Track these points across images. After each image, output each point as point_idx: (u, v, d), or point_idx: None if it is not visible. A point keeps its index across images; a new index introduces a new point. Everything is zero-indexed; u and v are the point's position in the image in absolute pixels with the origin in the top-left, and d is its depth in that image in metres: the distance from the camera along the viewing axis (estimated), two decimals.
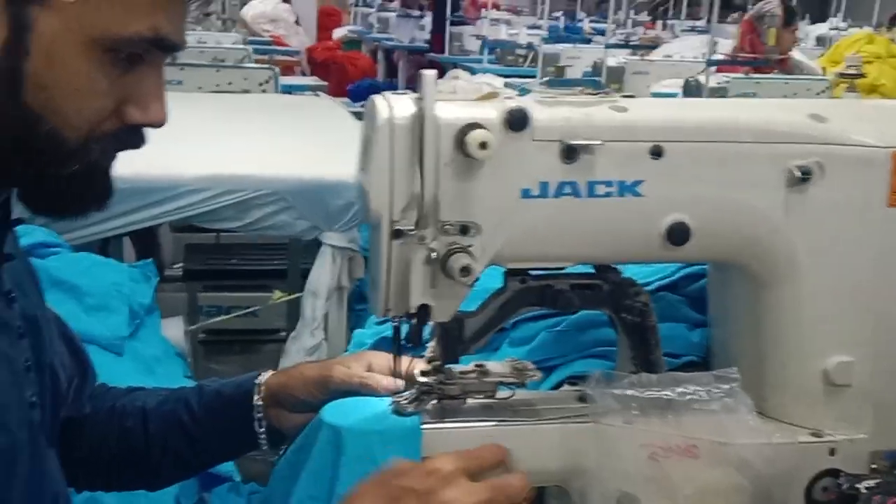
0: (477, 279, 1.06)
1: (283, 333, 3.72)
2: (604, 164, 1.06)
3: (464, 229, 1.05)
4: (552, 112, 1.06)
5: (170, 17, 0.85)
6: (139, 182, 2.04)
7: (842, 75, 1.91)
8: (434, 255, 1.04)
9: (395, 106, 1.03)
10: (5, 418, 0.88)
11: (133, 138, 0.90)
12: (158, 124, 0.89)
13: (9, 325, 0.94)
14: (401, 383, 1.12)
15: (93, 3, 0.80)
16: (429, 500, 0.91)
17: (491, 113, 1.03)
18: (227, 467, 1.96)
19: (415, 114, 1.02)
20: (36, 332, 1.01)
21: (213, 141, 2.48)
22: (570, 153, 1.05)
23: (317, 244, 2.46)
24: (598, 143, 1.04)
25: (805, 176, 1.07)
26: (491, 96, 1.07)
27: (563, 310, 1.15)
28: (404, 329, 1.11)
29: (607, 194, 1.06)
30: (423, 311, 1.08)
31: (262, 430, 1.16)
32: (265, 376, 1.17)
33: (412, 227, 1.04)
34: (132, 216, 2.19)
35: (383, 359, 1.15)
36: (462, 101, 1.05)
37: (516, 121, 1.03)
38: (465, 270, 1.03)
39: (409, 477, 0.93)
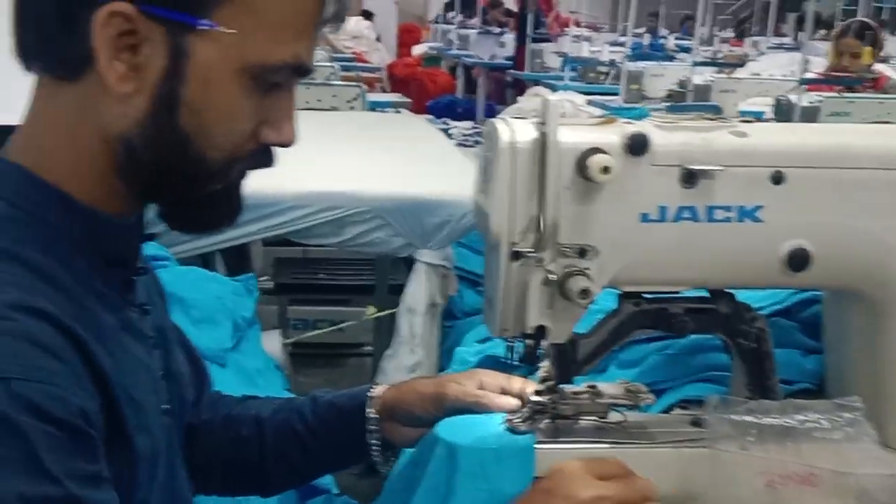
0: (592, 302, 1.07)
1: (368, 348, 3.77)
2: (723, 189, 1.06)
3: (582, 252, 1.06)
4: (671, 137, 1.07)
5: (307, 44, 0.89)
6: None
7: None
8: (552, 276, 1.06)
9: (516, 130, 1.05)
10: (149, 423, 0.92)
11: (266, 158, 0.94)
12: (290, 144, 0.93)
13: (145, 336, 0.98)
14: (514, 402, 1.13)
15: (246, 33, 0.84)
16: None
17: (612, 137, 1.04)
18: (326, 479, 2.00)
19: (536, 138, 1.03)
20: (165, 342, 1.05)
21: (309, 158, 2.52)
22: (689, 178, 1.05)
23: (402, 260, 2.49)
24: (719, 168, 1.05)
25: None
26: (610, 121, 1.08)
27: (679, 334, 1.15)
28: (518, 348, 1.13)
29: (727, 219, 1.07)
30: (539, 332, 1.09)
31: (375, 442, 1.18)
32: (379, 389, 1.19)
33: (531, 249, 1.05)
34: (234, 231, 2.24)
35: (494, 377, 1.17)
36: (581, 126, 1.06)
37: (637, 145, 1.04)
38: (585, 293, 1.04)
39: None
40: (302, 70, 0.90)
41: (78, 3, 0.82)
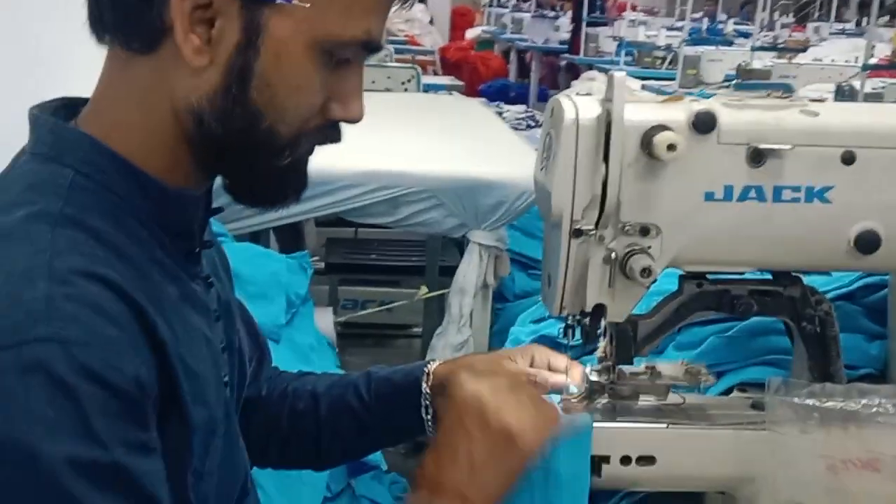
0: (654, 280, 1.06)
1: (416, 329, 3.78)
2: (792, 169, 1.04)
3: (644, 230, 1.05)
4: (739, 115, 1.05)
5: (379, 21, 0.89)
6: None
7: None
8: (613, 255, 1.05)
9: (581, 107, 1.03)
10: (206, 394, 0.92)
11: (333, 133, 0.93)
12: (357, 120, 0.93)
13: (207, 308, 0.99)
14: (565, 380, 1.13)
15: (320, 7, 0.84)
16: None
17: (678, 115, 1.03)
18: (375, 456, 2.01)
19: (600, 115, 1.02)
20: (228, 315, 1.06)
21: (364, 137, 2.53)
22: (757, 157, 1.03)
23: (453, 241, 2.49)
24: (788, 147, 1.03)
25: None
26: (676, 99, 1.07)
27: (742, 316, 1.14)
28: (575, 330, 1.12)
29: (794, 199, 1.05)
30: (599, 311, 1.08)
31: (430, 417, 1.19)
32: (434, 365, 1.20)
33: (592, 227, 1.04)
34: (291, 209, 2.25)
35: (544, 353, 1.17)
36: (647, 103, 1.05)
37: (703, 123, 1.03)
38: (646, 272, 1.03)
39: None
40: (372, 46, 0.90)
41: None
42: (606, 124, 1.02)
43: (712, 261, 1.10)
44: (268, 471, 1.65)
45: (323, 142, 0.94)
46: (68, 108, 0.93)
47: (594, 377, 1.13)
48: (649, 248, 1.05)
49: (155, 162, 0.90)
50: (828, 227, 1.05)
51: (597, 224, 1.05)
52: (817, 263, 1.12)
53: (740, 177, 1.04)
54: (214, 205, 1.01)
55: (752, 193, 1.05)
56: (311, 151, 0.94)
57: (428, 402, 1.17)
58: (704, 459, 1.10)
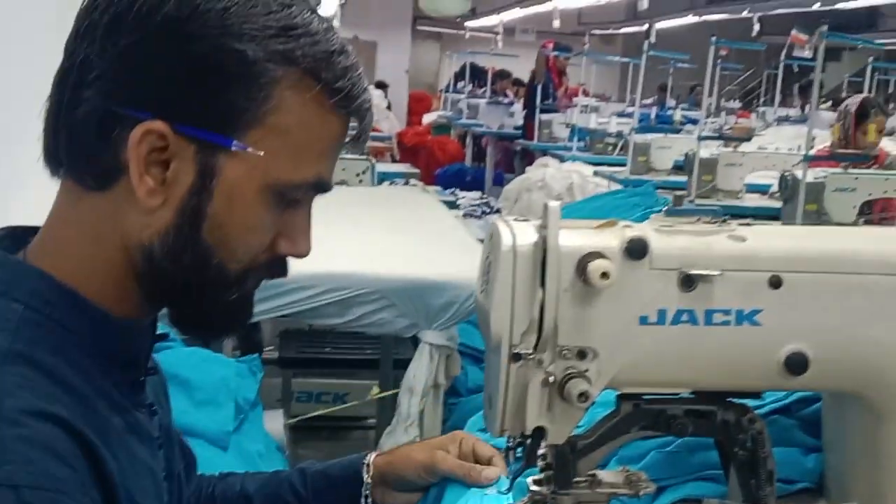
0: (591, 404, 1.07)
1: (371, 421, 3.75)
2: (722, 293, 1.07)
3: (581, 354, 1.07)
4: (670, 241, 1.08)
5: (329, 163, 0.92)
6: None
7: None
8: (551, 378, 1.07)
9: (517, 233, 1.06)
10: None
11: (280, 268, 0.96)
12: (304, 255, 0.95)
13: (151, 437, 0.99)
14: (497, 472, 1.16)
15: (273, 153, 0.87)
16: None
17: (611, 241, 1.06)
18: None
19: (536, 241, 1.05)
20: (169, 442, 1.06)
21: (316, 236, 2.55)
22: (688, 282, 1.06)
23: (411, 336, 2.49)
24: (717, 272, 1.06)
25: None
26: (610, 224, 1.10)
27: (677, 436, 1.15)
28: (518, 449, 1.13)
29: (724, 322, 1.07)
30: (538, 433, 1.09)
31: None
32: (372, 456, 1.23)
33: (531, 351, 1.06)
34: None
35: (470, 441, 1.22)
36: (583, 230, 1.08)
37: (635, 249, 1.06)
38: (583, 396, 1.05)
39: None
40: (322, 187, 0.93)
41: (117, 119, 0.85)
42: (542, 251, 1.04)
43: (649, 382, 1.12)
44: None
45: (270, 276, 0.96)
46: (13, 237, 0.94)
47: (535, 487, 1.14)
48: (587, 371, 1.07)
49: (103, 294, 0.91)
50: (758, 349, 1.08)
51: (535, 348, 1.06)
52: (749, 384, 1.14)
53: (672, 301, 1.07)
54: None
55: (685, 317, 1.07)
56: (257, 285, 0.95)
57: (368, 493, 1.20)
58: None
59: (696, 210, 1.12)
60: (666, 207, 1.07)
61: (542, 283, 1.05)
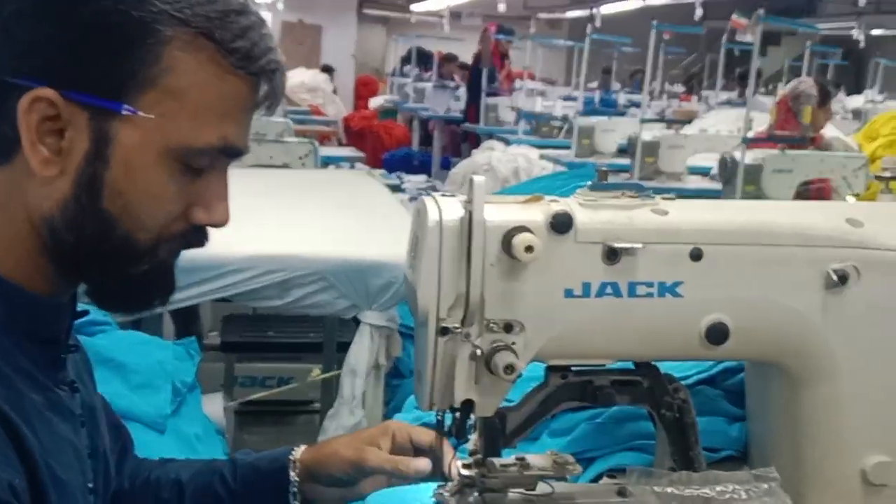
0: (520, 375, 1.09)
1: (317, 405, 3.74)
2: (645, 266, 1.09)
3: (508, 327, 1.08)
4: (594, 215, 1.10)
5: (237, 126, 0.91)
6: (183, 262, 2.08)
7: (878, 178, 1.91)
8: (479, 352, 1.08)
9: (444, 208, 1.07)
10: (72, 503, 0.91)
11: (197, 237, 0.95)
12: (222, 225, 0.94)
13: (73, 414, 0.98)
14: (426, 463, 1.15)
15: (170, 117, 0.86)
16: None
17: (536, 216, 1.07)
18: None
19: (462, 217, 1.06)
20: (93, 420, 1.05)
21: (254, 219, 2.53)
22: (611, 255, 1.08)
23: (352, 318, 2.49)
24: (639, 245, 1.08)
25: (842, 279, 1.10)
26: (536, 199, 1.11)
27: (604, 406, 1.17)
28: (447, 420, 1.14)
29: (648, 295, 1.10)
30: (467, 406, 1.11)
31: (297, 502, 1.19)
32: (299, 451, 1.21)
33: (458, 325, 1.07)
34: (176, 295, 2.23)
35: (404, 430, 1.20)
36: (508, 205, 1.09)
37: (560, 224, 1.07)
38: (509, 368, 1.06)
39: None
40: (231, 151, 0.91)
41: (8, 89, 0.84)
42: (468, 225, 1.05)
43: (575, 354, 1.14)
44: None
45: (187, 246, 0.95)
46: None
47: (464, 471, 1.14)
48: (513, 344, 1.08)
49: (17, 270, 0.89)
50: (680, 320, 1.10)
51: (462, 322, 1.07)
52: (672, 354, 1.16)
53: (597, 274, 1.09)
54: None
55: (609, 290, 1.09)
56: (175, 255, 0.94)
57: (296, 490, 1.19)
58: None
59: (619, 185, 1.13)
60: (590, 183, 1.09)
61: (469, 258, 1.06)
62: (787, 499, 1.08)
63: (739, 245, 1.11)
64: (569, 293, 1.09)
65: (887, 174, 1.89)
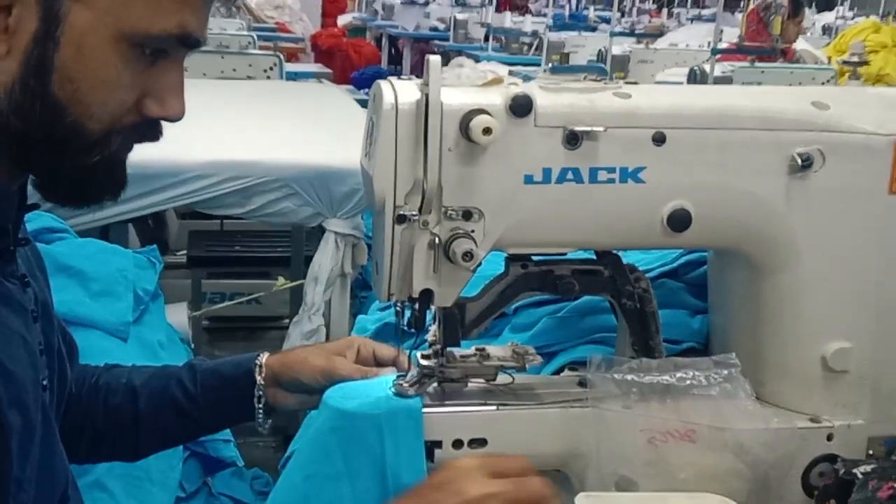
0: (479, 264, 1.07)
1: (286, 320, 3.73)
2: (606, 151, 1.06)
3: (466, 214, 1.06)
4: (555, 98, 1.07)
5: (195, 14, 0.87)
6: (143, 168, 2.04)
7: (845, 63, 1.90)
8: (437, 240, 1.05)
9: (400, 91, 1.03)
10: (23, 398, 0.89)
11: (151, 131, 0.91)
12: (176, 118, 0.90)
13: (25, 308, 0.96)
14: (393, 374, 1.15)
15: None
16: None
17: (495, 99, 1.04)
18: (231, 452, 1.98)
19: (419, 99, 1.02)
20: (46, 316, 1.03)
21: (217, 127, 2.48)
22: (572, 139, 1.05)
23: (320, 232, 2.47)
24: (601, 129, 1.05)
25: (806, 163, 1.08)
26: (495, 82, 1.08)
27: (564, 295, 1.16)
28: (407, 313, 1.13)
29: (609, 180, 1.07)
30: (426, 296, 1.09)
31: (261, 406, 1.19)
32: (265, 357, 1.21)
33: (415, 213, 1.04)
34: (136, 202, 2.19)
35: (369, 345, 1.21)
36: (466, 87, 1.06)
37: (520, 107, 1.04)
38: (468, 255, 1.04)
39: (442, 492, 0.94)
40: (189, 41, 0.87)
41: None
42: (425, 108, 1.02)
43: (535, 242, 1.12)
44: (114, 471, 1.61)
45: (139, 140, 0.91)
46: None
47: (424, 362, 1.13)
48: (472, 231, 1.06)
49: None
50: (642, 206, 1.08)
51: (420, 209, 1.05)
52: (634, 242, 1.15)
53: (557, 159, 1.06)
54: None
55: (570, 175, 1.07)
56: (127, 149, 0.91)
57: (261, 393, 1.18)
58: (534, 438, 1.12)
59: (581, 67, 1.10)
60: (551, 65, 1.05)
61: (426, 143, 1.02)
62: (747, 384, 1.08)
63: (703, 129, 1.09)
64: (528, 179, 1.06)
65: (854, 59, 1.87)
